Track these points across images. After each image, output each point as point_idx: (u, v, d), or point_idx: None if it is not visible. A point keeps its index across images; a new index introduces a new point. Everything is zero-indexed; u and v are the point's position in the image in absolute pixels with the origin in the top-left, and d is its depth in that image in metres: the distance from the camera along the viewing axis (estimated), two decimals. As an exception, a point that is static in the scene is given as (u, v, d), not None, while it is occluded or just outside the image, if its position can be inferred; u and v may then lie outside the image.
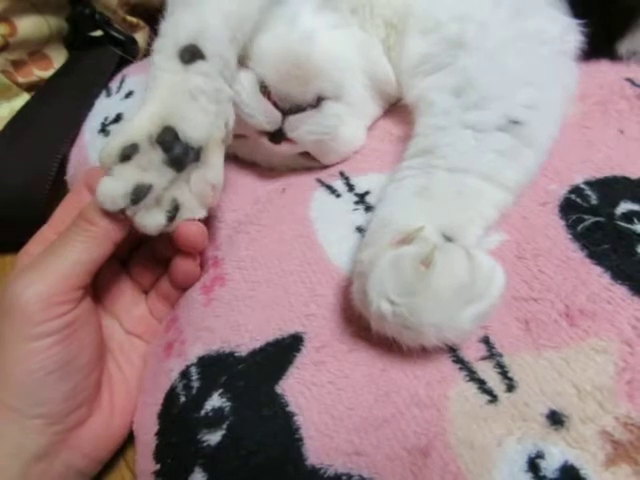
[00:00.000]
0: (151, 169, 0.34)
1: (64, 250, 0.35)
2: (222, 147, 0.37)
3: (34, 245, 0.38)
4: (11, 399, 0.33)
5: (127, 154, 0.33)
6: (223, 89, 0.37)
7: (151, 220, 0.35)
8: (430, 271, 0.30)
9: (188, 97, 0.35)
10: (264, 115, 0.40)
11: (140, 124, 0.34)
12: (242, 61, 0.41)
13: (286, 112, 0.40)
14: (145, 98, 0.36)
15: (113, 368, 0.39)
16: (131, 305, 0.41)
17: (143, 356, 0.40)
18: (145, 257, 0.42)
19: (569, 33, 0.42)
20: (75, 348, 0.34)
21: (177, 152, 0.34)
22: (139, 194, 0.33)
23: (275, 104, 0.40)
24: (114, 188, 0.33)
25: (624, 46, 0.46)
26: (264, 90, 0.40)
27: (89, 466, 0.36)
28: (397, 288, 0.30)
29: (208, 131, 0.35)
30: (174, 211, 0.35)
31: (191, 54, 0.36)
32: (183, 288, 0.41)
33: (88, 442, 0.36)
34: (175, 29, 0.37)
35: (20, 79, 0.60)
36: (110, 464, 0.38)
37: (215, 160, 0.37)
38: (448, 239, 0.33)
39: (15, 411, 0.32)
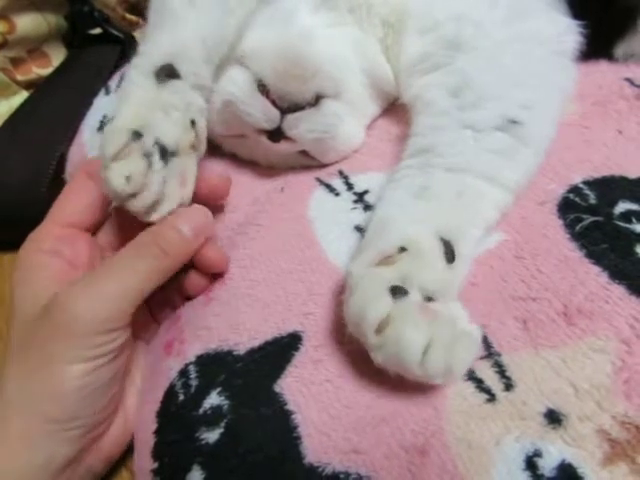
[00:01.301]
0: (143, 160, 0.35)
1: (126, 275, 0.34)
2: (193, 155, 0.38)
3: (43, 242, 0.37)
4: (55, 412, 0.32)
5: (136, 137, 0.35)
6: (195, 102, 0.38)
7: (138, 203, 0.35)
8: (382, 338, 0.30)
9: (160, 111, 0.37)
10: (262, 114, 0.40)
11: (116, 131, 0.35)
12: (237, 59, 0.41)
13: (285, 111, 0.40)
14: (117, 110, 0.37)
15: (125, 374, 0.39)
16: (138, 311, 0.41)
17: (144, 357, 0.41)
18: None
19: (567, 34, 0.42)
20: (119, 366, 0.35)
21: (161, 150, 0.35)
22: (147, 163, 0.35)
23: (273, 102, 0.40)
24: (130, 163, 0.34)
25: (621, 48, 0.46)
26: (262, 88, 0.40)
27: (105, 468, 0.37)
28: (360, 334, 0.31)
29: (179, 139, 0.37)
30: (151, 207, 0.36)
31: (167, 73, 0.38)
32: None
33: (107, 445, 0.36)
34: (153, 48, 0.39)
35: (19, 77, 0.60)
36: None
37: (188, 166, 0.38)
38: (447, 243, 0.33)
39: (55, 423, 0.32)
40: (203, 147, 0.39)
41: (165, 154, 0.36)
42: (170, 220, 0.36)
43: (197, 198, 0.39)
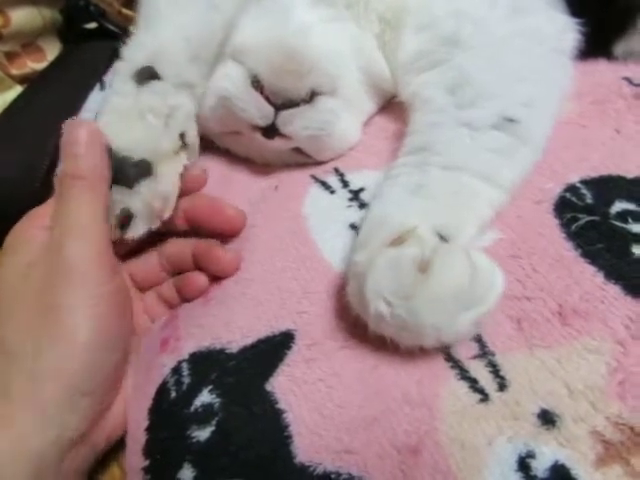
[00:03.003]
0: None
1: (73, 212, 0.35)
2: (178, 160, 0.39)
3: (40, 220, 0.37)
4: (65, 372, 0.32)
5: None
6: (180, 104, 0.38)
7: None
8: (428, 274, 0.29)
9: (136, 117, 0.37)
10: (256, 110, 0.40)
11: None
12: (231, 54, 0.41)
13: (279, 107, 0.40)
14: (98, 120, 0.38)
15: None
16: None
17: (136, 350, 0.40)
18: (149, 260, 0.42)
19: (566, 32, 0.41)
20: (123, 319, 0.36)
21: (118, 169, 0.36)
22: None
23: (268, 98, 0.39)
24: None
25: (620, 47, 0.46)
26: (256, 84, 0.40)
27: (104, 448, 0.36)
28: (395, 290, 0.30)
29: (152, 147, 0.37)
30: (127, 221, 0.37)
31: (146, 75, 0.38)
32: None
33: (110, 423, 0.36)
34: (133, 52, 0.39)
35: (13, 71, 0.59)
36: (101, 461, 0.38)
37: (167, 172, 0.38)
38: (443, 239, 0.33)
39: (68, 387, 0.32)
40: (195, 152, 0.39)
41: (126, 172, 0.36)
42: (65, 152, 0.36)
43: (212, 229, 0.41)
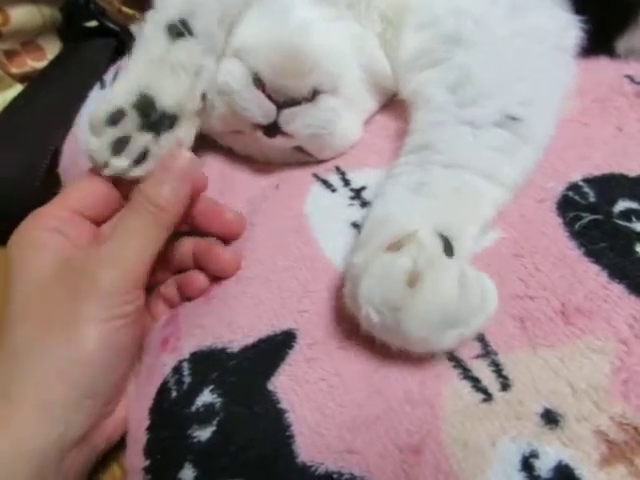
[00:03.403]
0: (133, 132, 0.37)
1: (132, 234, 0.35)
2: (196, 119, 0.40)
3: (46, 220, 0.37)
4: (78, 376, 0.33)
5: (114, 119, 0.36)
6: (206, 66, 0.39)
7: (119, 162, 0.37)
8: (417, 289, 0.29)
9: (168, 70, 0.38)
10: (258, 108, 0.40)
11: (121, 91, 0.37)
12: (233, 52, 0.41)
13: (281, 105, 0.39)
14: (129, 65, 0.38)
15: None
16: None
17: None
18: None
19: (568, 29, 0.41)
20: (134, 335, 0.36)
21: (153, 118, 0.37)
22: (119, 146, 0.37)
23: (270, 97, 0.39)
24: (100, 143, 0.36)
25: (622, 44, 0.45)
26: (258, 83, 0.39)
27: (105, 449, 0.36)
28: (384, 301, 0.30)
29: (182, 102, 0.38)
30: (141, 157, 0.37)
31: (180, 30, 0.38)
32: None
33: (111, 424, 0.36)
34: (168, 3, 0.39)
35: (13, 70, 0.59)
36: (102, 460, 0.38)
37: (187, 132, 0.39)
38: (445, 239, 0.33)
39: (77, 389, 0.32)
40: (205, 113, 0.41)
41: (159, 121, 0.37)
42: (158, 174, 0.37)
43: (211, 233, 0.41)
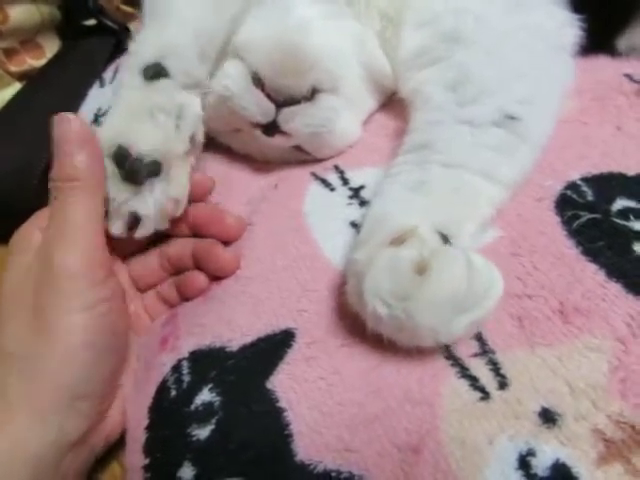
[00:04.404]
0: (111, 184, 0.36)
1: (68, 214, 0.34)
2: (187, 161, 0.39)
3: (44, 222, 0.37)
4: (65, 376, 0.32)
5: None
6: (189, 104, 0.38)
7: (113, 228, 0.36)
8: (426, 277, 0.29)
9: (146, 114, 0.37)
10: (257, 107, 0.39)
11: (100, 141, 0.36)
12: (233, 52, 0.41)
13: (280, 104, 0.39)
14: (109, 114, 0.38)
15: None
16: (127, 301, 0.41)
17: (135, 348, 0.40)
18: (150, 261, 0.42)
19: (567, 28, 0.41)
20: (118, 322, 0.35)
21: (129, 168, 0.36)
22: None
23: (269, 96, 0.39)
24: None
25: (623, 42, 0.45)
26: (257, 82, 0.39)
27: (103, 448, 0.36)
28: (392, 291, 0.30)
29: (164, 147, 0.37)
30: (134, 223, 0.37)
31: (154, 72, 0.37)
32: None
33: (109, 424, 0.36)
34: (142, 46, 0.39)
35: (12, 68, 0.59)
36: (101, 459, 0.38)
37: (178, 174, 0.38)
38: (444, 237, 0.33)
39: (66, 390, 0.32)
40: (199, 151, 0.40)
41: (138, 171, 0.36)
42: (57, 155, 0.36)
43: (211, 236, 0.40)
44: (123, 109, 0.37)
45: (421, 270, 0.29)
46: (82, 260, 0.33)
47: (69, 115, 0.36)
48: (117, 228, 0.37)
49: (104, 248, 0.35)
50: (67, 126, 0.36)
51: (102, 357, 0.34)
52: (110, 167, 0.36)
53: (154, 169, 0.36)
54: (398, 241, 0.31)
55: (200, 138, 0.40)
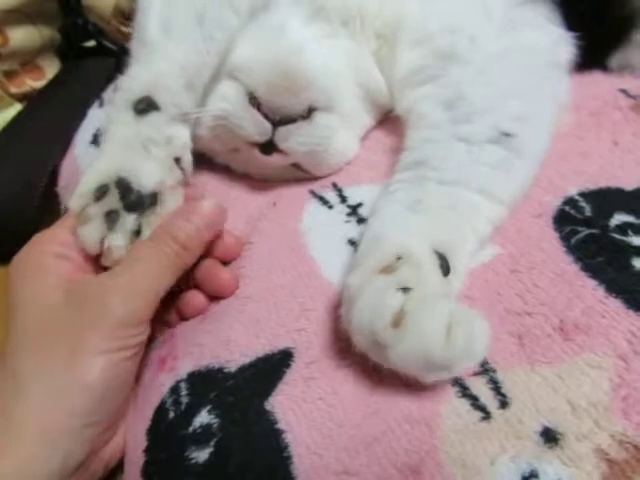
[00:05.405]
0: (119, 209, 0.36)
1: (153, 270, 0.35)
2: (179, 189, 0.40)
3: (48, 245, 0.37)
4: (80, 405, 0.32)
5: (98, 196, 0.36)
6: (177, 136, 0.39)
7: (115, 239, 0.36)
8: (401, 331, 0.29)
9: (138, 148, 0.37)
10: (254, 126, 0.40)
11: (100, 171, 0.37)
12: (228, 73, 0.41)
13: (276, 123, 0.40)
14: (100, 151, 0.38)
15: None
16: None
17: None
18: None
19: (561, 45, 0.41)
20: (137, 364, 0.36)
21: (132, 200, 0.37)
22: (111, 221, 0.36)
23: (265, 115, 0.40)
24: (91, 228, 0.36)
25: (616, 59, 0.46)
26: (254, 101, 0.40)
27: (103, 475, 0.36)
28: (371, 337, 0.30)
29: (161, 178, 0.38)
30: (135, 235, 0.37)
31: (145, 105, 0.38)
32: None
33: (110, 451, 0.36)
34: (130, 82, 0.40)
35: (12, 89, 0.59)
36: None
37: (172, 203, 0.38)
38: (441, 256, 0.33)
39: (78, 417, 0.32)
40: (189, 175, 0.40)
41: (140, 203, 0.36)
42: (185, 214, 0.37)
43: (210, 254, 0.40)
44: (116, 143, 0.38)
45: (398, 322, 0.29)
46: (136, 315, 0.34)
47: (214, 202, 0.39)
48: (118, 239, 0.36)
49: (155, 309, 0.36)
50: (210, 207, 0.38)
51: (115, 394, 0.34)
52: (97, 208, 0.36)
53: (155, 199, 0.37)
54: (389, 269, 0.31)
55: (189, 167, 0.40)
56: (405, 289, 0.30)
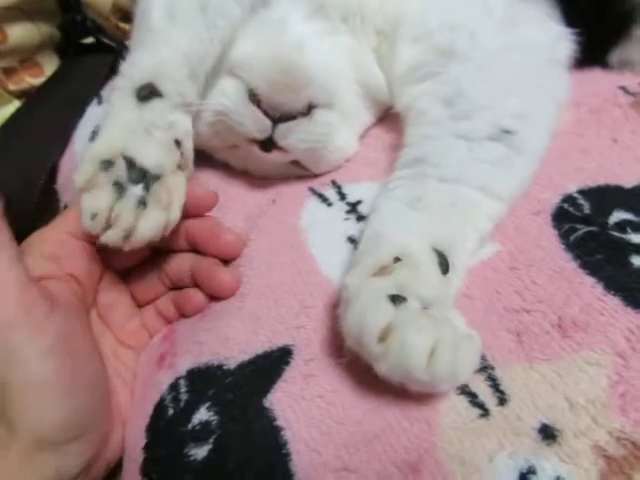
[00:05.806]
0: (124, 181, 0.35)
1: None
2: (181, 173, 0.39)
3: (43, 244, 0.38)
4: (38, 429, 0.31)
5: (105, 166, 0.35)
6: (178, 121, 0.39)
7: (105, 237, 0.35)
8: (387, 346, 0.29)
9: (142, 132, 0.37)
10: (254, 123, 0.40)
11: (103, 147, 0.36)
12: (228, 69, 0.41)
13: (276, 120, 0.40)
14: (101, 132, 0.38)
15: (115, 377, 0.38)
16: (126, 318, 0.41)
17: (134, 366, 0.40)
18: (149, 275, 0.42)
19: (561, 42, 0.41)
20: (79, 357, 0.34)
21: (137, 175, 0.36)
22: (119, 190, 0.35)
23: (265, 112, 0.39)
24: (96, 197, 0.35)
25: (616, 56, 0.46)
26: (253, 98, 0.40)
27: (105, 472, 0.36)
28: (361, 345, 0.30)
29: (163, 161, 0.37)
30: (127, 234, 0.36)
31: (148, 92, 0.38)
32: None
33: (110, 451, 0.36)
34: (133, 68, 0.39)
35: (11, 86, 0.59)
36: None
37: (175, 181, 0.38)
38: (441, 254, 0.33)
39: (44, 442, 0.31)
40: (191, 166, 0.39)
41: (144, 178, 0.36)
42: None
43: (209, 253, 0.40)
44: (118, 126, 0.37)
45: (384, 336, 0.29)
46: (16, 308, 0.32)
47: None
48: (109, 237, 0.35)
49: (33, 286, 0.33)
50: None
51: (76, 399, 0.33)
52: (105, 177, 0.35)
53: (157, 176, 0.36)
54: (386, 271, 0.31)
55: (190, 154, 0.40)
56: (398, 298, 0.30)
